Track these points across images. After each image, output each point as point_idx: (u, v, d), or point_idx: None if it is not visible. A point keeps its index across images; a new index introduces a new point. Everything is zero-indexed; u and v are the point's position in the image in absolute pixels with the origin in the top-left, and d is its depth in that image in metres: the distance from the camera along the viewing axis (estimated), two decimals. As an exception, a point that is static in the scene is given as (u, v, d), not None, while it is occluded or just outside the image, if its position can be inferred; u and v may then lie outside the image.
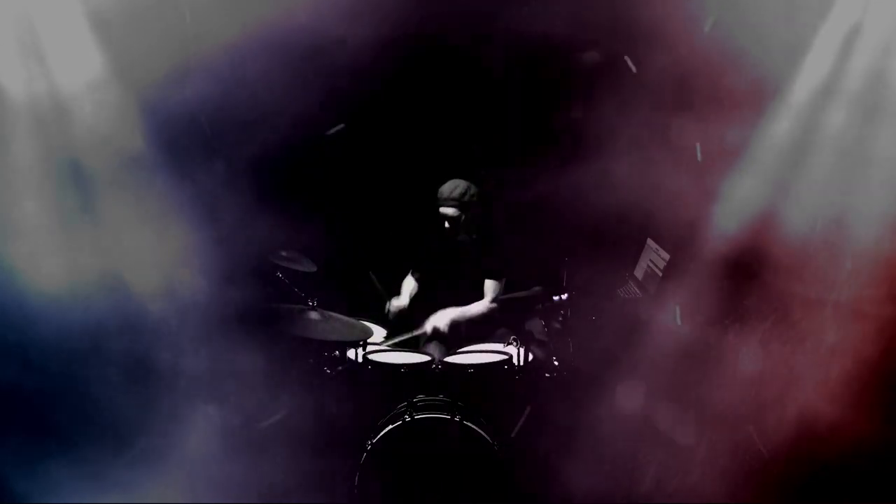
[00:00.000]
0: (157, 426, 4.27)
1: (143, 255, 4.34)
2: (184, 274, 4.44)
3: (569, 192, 4.85)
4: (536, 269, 4.85)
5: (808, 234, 4.12)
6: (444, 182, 4.61)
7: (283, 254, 4.58)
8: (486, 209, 4.66)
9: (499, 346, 4.32)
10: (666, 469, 4.22)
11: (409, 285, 4.91)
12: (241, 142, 4.82)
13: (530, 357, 4.23)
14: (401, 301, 4.80)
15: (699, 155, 4.55)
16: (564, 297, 4.57)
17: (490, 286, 4.58)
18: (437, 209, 4.56)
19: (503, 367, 4.16)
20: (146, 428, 4.25)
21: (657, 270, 4.90)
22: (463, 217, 4.54)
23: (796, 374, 4.13)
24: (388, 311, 4.75)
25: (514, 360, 4.16)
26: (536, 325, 4.89)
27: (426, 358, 4.21)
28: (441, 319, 4.50)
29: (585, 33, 4.75)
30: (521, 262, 4.73)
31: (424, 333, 4.52)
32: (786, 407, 4.11)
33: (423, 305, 4.74)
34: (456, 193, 4.51)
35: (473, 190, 4.54)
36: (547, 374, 4.34)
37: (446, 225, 4.56)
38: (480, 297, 4.61)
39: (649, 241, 5.14)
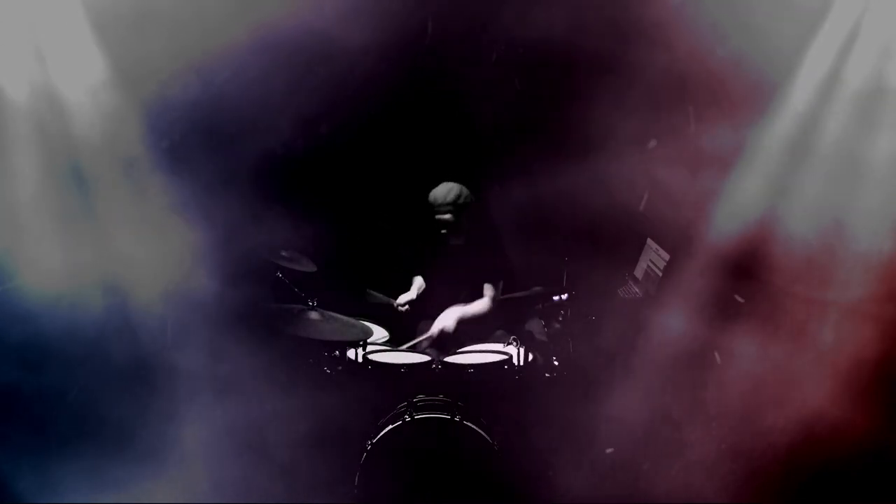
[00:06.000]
0: (156, 425, 4.27)
1: (143, 256, 4.35)
2: (184, 274, 4.44)
3: (568, 192, 4.85)
4: (536, 269, 4.86)
5: (808, 234, 4.12)
6: (440, 183, 4.60)
7: (283, 254, 4.58)
8: (482, 210, 4.65)
9: (499, 346, 4.32)
10: (666, 469, 4.22)
11: (418, 281, 4.92)
12: (242, 143, 4.82)
13: (530, 357, 4.23)
14: (409, 294, 4.81)
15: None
16: (564, 297, 4.57)
17: (487, 289, 4.58)
18: (433, 216, 4.56)
19: (503, 367, 4.16)
20: (146, 427, 4.26)
21: (657, 270, 4.90)
22: (459, 220, 4.54)
23: (796, 375, 4.13)
24: (397, 305, 4.75)
25: (514, 360, 4.16)
26: (536, 325, 4.89)
27: (426, 358, 4.21)
28: (448, 320, 4.50)
29: (585, 33, 4.75)
30: (519, 263, 4.72)
31: (431, 337, 4.50)
32: (786, 407, 4.11)
33: (422, 309, 4.74)
34: (450, 198, 4.50)
35: (466, 192, 4.54)
36: (547, 374, 4.35)
37: (443, 231, 4.57)
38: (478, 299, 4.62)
39: (649, 241, 5.14)
